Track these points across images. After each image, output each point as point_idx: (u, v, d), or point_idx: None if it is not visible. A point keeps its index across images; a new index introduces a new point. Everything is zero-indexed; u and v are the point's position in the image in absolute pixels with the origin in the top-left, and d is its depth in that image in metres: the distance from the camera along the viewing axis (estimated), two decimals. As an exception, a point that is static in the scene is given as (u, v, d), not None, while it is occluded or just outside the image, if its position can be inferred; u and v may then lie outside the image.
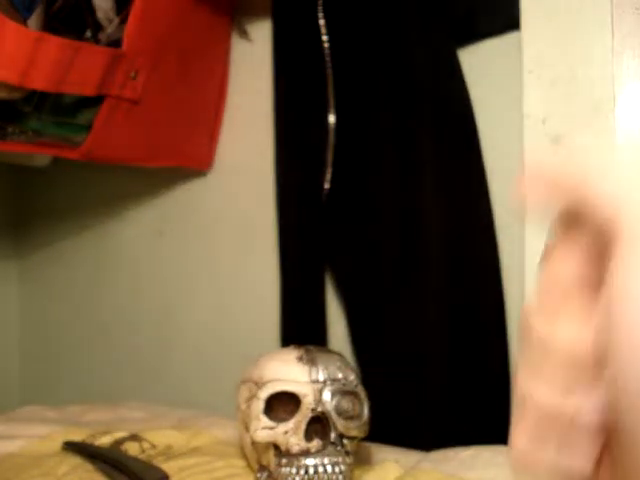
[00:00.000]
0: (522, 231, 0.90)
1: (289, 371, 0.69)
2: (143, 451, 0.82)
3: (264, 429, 0.67)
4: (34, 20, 0.96)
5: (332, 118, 1.07)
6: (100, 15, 1.02)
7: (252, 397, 0.70)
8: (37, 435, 0.88)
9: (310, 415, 0.66)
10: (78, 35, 1.03)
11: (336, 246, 1.11)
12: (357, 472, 0.71)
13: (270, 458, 0.68)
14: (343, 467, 0.66)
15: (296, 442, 0.66)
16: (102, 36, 1.03)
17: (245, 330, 1.30)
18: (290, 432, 0.66)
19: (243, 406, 0.73)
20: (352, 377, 0.71)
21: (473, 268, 0.99)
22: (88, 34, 1.04)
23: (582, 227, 0.23)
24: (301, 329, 1.14)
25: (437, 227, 0.99)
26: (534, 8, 0.89)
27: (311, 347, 0.73)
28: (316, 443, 0.66)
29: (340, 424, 0.67)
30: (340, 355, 0.74)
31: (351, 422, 0.68)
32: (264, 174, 1.21)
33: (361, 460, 0.75)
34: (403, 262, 1.02)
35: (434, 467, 0.73)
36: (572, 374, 0.23)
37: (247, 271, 1.30)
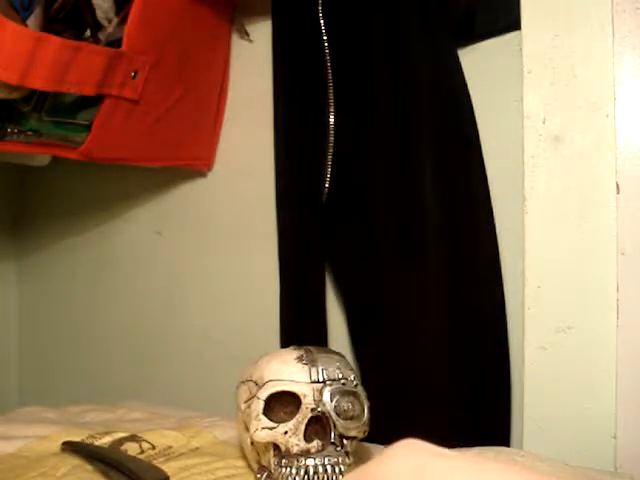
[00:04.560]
0: (522, 230, 0.90)
1: (289, 371, 0.69)
2: (143, 451, 0.82)
3: (264, 429, 0.67)
4: (33, 20, 0.96)
5: (332, 118, 1.07)
6: (100, 15, 1.02)
7: (252, 397, 0.70)
8: (36, 435, 0.88)
9: (310, 415, 0.66)
10: (78, 35, 1.03)
11: (336, 246, 1.11)
12: (357, 472, 0.71)
13: (270, 458, 0.68)
14: (343, 467, 0.66)
15: (296, 442, 0.66)
16: (102, 36, 1.03)
17: (245, 330, 1.29)
18: (290, 432, 0.66)
19: (243, 406, 0.73)
20: (352, 377, 0.71)
21: (473, 268, 0.99)
22: (88, 34, 1.04)
23: None
24: (301, 329, 1.14)
25: (437, 227, 0.99)
26: (534, 8, 0.89)
27: (311, 347, 0.72)
28: (316, 443, 0.66)
29: (340, 424, 0.67)
30: (340, 355, 0.73)
31: (351, 422, 0.68)
32: (264, 174, 1.21)
33: (361, 460, 0.75)
34: (403, 262, 1.01)
35: (434, 467, 0.73)
36: None
37: (247, 271, 1.30)
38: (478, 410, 0.97)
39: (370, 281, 1.06)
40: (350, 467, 0.67)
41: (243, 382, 0.75)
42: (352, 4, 1.06)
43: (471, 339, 0.98)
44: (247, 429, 0.70)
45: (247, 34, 1.27)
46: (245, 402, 0.72)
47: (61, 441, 0.85)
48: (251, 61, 1.28)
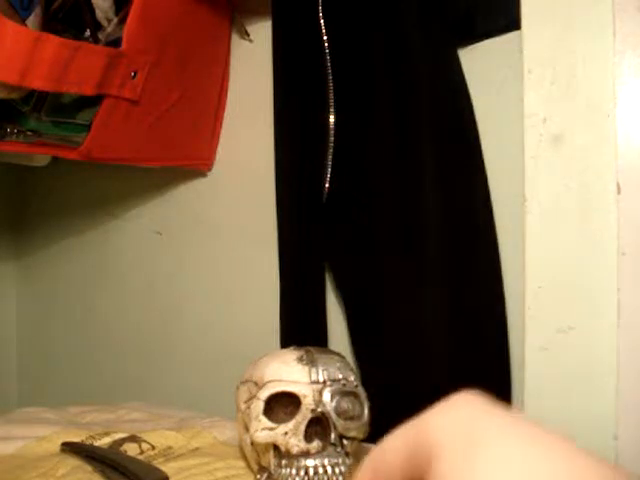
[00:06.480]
0: (522, 230, 0.90)
1: (289, 372, 0.69)
2: (142, 452, 0.82)
3: (264, 430, 0.67)
4: (33, 20, 0.95)
5: (332, 118, 1.07)
6: (99, 14, 1.02)
7: (252, 398, 0.70)
8: (36, 436, 0.88)
9: (310, 416, 0.66)
10: (77, 34, 1.03)
11: (336, 246, 1.11)
12: (357, 473, 0.71)
13: (270, 459, 0.68)
14: (343, 468, 0.66)
15: (296, 443, 0.65)
16: (101, 35, 1.03)
17: (245, 330, 1.29)
18: (290, 433, 0.66)
19: (243, 407, 0.73)
20: (352, 378, 0.70)
21: (473, 268, 0.99)
22: (87, 33, 1.04)
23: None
24: (301, 329, 1.14)
25: (437, 227, 0.99)
26: (534, 8, 0.89)
27: (311, 348, 0.72)
28: (316, 444, 0.66)
29: (340, 425, 0.67)
30: (340, 356, 0.73)
31: (351, 423, 0.68)
32: (264, 174, 1.21)
33: (361, 461, 0.75)
34: (403, 262, 1.01)
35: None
36: None
37: (247, 271, 1.30)
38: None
39: (370, 281, 1.06)
40: (350, 467, 0.67)
41: (243, 382, 0.75)
42: (352, 4, 1.06)
43: (471, 339, 0.98)
44: (247, 430, 0.70)
45: (247, 34, 1.27)
46: (245, 402, 0.72)
47: (60, 442, 0.84)
48: (251, 61, 1.28)
